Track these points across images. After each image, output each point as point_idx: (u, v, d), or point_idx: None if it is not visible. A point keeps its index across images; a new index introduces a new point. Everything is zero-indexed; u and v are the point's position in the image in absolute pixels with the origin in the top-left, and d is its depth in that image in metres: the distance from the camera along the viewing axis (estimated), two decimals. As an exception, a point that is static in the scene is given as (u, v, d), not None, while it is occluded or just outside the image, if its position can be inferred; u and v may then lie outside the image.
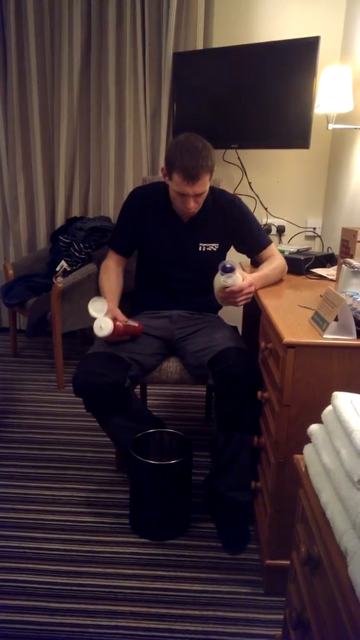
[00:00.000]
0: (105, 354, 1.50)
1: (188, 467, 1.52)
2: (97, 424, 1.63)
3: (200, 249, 1.68)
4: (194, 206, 1.57)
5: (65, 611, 1.27)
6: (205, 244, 1.68)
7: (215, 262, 1.69)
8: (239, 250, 1.78)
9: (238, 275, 1.44)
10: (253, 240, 1.74)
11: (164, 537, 1.52)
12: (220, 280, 1.43)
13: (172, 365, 1.66)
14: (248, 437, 1.45)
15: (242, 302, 1.49)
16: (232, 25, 2.56)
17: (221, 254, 1.72)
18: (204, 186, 1.54)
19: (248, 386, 1.40)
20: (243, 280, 1.46)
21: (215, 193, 1.69)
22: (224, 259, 1.72)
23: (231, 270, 1.41)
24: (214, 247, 1.69)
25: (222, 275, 1.42)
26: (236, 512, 1.51)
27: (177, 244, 1.68)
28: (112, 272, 1.73)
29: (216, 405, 1.48)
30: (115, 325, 1.46)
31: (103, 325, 1.46)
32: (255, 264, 1.79)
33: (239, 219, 1.69)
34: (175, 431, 1.61)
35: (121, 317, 1.56)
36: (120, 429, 1.56)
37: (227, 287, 1.43)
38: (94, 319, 1.51)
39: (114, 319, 1.50)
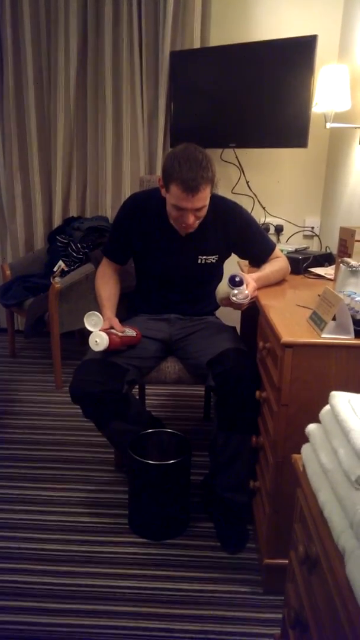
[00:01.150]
0: (102, 361, 1.48)
1: (187, 467, 1.52)
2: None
3: (199, 261, 1.63)
4: (193, 222, 1.48)
5: (64, 611, 1.27)
6: (204, 257, 1.62)
7: (214, 273, 1.67)
8: (242, 258, 1.76)
9: (245, 285, 1.42)
10: (257, 251, 1.68)
11: (163, 536, 1.52)
12: (227, 290, 1.41)
13: (170, 366, 1.66)
14: (247, 438, 1.45)
15: (245, 307, 1.48)
16: (230, 24, 2.56)
17: (220, 264, 1.69)
18: (204, 200, 1.45)
19: (248, 387, 1.40)
20: (247, 285, 1.43)
21: (215, 201, 1.59)
22: (222, 267, 1.70)
23: (240, 283, 1.39)
24: (213, 259, 1.64)
25: (232, 289, 1.39)
26: (234, 512, 1.51)
27: (174, 257, 1.62)
28: (109, 278, 1.71)
29: (216, 406, 1.48)
30: (110, 339, 1.44)
31: (98, 340, 1.44)
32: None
33: (241, 230, 1.63)
34: (173, 431, 1.61)
35: (119, 327, 1.52)
36: (119, 433, 1.56)
37: (235, 296, 1.41)
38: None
39: (110, 333, 1.46)
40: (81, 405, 1.48)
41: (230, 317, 1.98)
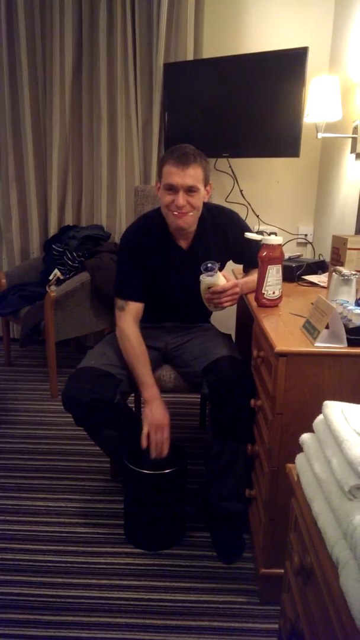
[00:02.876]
0: (96, 370, 1.48)
1: (182, 476, 1.52)
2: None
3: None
4: (184, 205, 1.47)
5: (60, 624, 1.26)
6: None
7: None
8: (236, 262, 1.78)
9: (220, 276, 1.46)
10: (250, 256, 1.68)
11: (159, 547, 1.51)
12: (203, 280, 1.46)
13: (165, 374, 1.66)
14: (242, 446, 1.45)
15: (227, 304, 1.49)
16: (222, 36, 2.59)
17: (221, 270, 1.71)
18: (194, 178, 1.46)
19: (242, 395, 1.40)
20: (228, 282, 1.47)
21: (212, 211, 1.63)
22: None
23: (212, 269, 1.44)
24: None
25: (204, 274, 1.45)
26: (230, 521, 1.51)
27: (179, 273, 1.62)
28: (134, 337, 1.55)
29: (211, 414, 1.48)
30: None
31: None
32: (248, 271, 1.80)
33: (238, 237, 1.64)
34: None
35: None
36: (110, 441, 1.56)
37: (211, 287, 1.45)
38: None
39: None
40: (72, 413, 1.48)
41: (225, 325, 1.98)
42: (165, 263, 1.62)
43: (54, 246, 2.71)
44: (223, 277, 1.47)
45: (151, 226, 1.60)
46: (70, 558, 1.47)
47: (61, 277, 2.57)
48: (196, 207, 1.51)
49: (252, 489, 1.47)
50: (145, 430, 1.48)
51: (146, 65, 2.61)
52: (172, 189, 1.48)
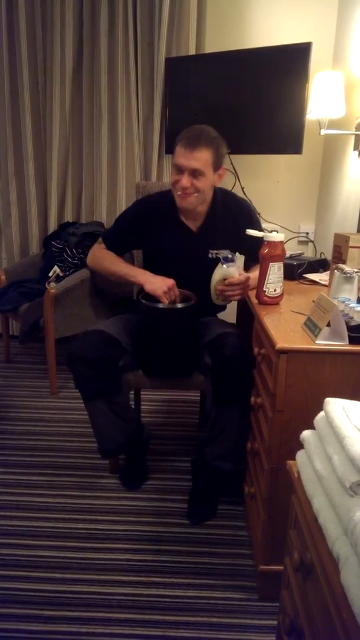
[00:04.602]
0: (105, 333, 1.53)
1: (192, 314, 1.57)
2: (91, 430, 1.63)
3: (210, 256, 1.65)
4: (188, 187, 1.53)
5: (60, 619, 1.26)
6: (215, 251, 1.64)
7: None
8: (240, 253, 1.79)
9: (235, 267, 1.47)
10: (255, 249, 1.71)
11: (174, 374, 1.62)
12: (221, 271, 1.46)
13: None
14: (238, 412, 1.49)
15: (237, 297, 1.52)
16: (225, 31, 2.57)
17: None
18: (200, 161, 1.50)
19: (243, 366, 1.44)
20: (240, 274, 1.50)
21: (226, 197, 1.67)
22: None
23: (232, 260, 1.44)
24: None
25: (224, 264, 1.45)
26: (219, 479, 1.58)
27: (186, 254, 1.65)
28: (109, 253, 1.73)
29: (212, 382, 1.51)
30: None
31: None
32: (246, 268, 1.80)
33: (250, 226, 1.63)
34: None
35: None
36: (101, 415, 1.57)
37: (227, 279, 1.45)
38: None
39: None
40: (75, 370, 1.51)
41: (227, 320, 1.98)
42: (171, 242, 1.66)
43: (53, 243, 2.70)
44: (237, 270, 1.49)
45: (166, 203, 1.64)
46: (70, 554, 1.47)
47: (61, 274, 2.56)
48: (201, 190, 1.55)
49: (251, 486, 1.47)
50: (163, 299, 1.53)
51: (147, 60, 2.60)
52: (179, 169, 1.52)
